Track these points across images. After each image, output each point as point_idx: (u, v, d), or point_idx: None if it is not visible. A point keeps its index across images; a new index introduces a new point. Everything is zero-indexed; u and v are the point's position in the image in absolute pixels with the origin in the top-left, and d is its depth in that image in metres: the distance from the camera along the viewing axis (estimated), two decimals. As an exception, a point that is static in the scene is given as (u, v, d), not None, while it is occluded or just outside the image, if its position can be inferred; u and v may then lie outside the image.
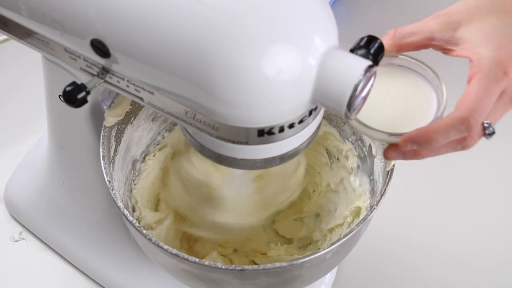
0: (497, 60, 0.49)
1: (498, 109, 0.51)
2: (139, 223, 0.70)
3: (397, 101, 0.55)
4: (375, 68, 0.44)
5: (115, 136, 0.64)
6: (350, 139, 0.72)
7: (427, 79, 0.54)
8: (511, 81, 0.50)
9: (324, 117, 0.64)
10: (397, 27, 0.55)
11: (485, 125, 0.50)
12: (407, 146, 0.51)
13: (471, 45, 0.51)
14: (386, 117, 0.54)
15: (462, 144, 0.51)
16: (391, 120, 0.54)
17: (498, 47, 0.50)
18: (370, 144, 0.68)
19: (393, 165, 0.60)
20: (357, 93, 0.43)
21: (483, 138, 0.52)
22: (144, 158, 0.74)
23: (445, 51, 0.53)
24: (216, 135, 0.47)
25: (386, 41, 0.54)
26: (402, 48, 0.54)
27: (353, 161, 0.72)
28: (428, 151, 0.52)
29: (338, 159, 0.75)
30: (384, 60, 0.53)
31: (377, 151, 0.66)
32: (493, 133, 0.51)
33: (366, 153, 0.69)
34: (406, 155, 0.53)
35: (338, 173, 0.75)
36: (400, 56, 0.55)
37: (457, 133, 0.49)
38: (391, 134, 0.52)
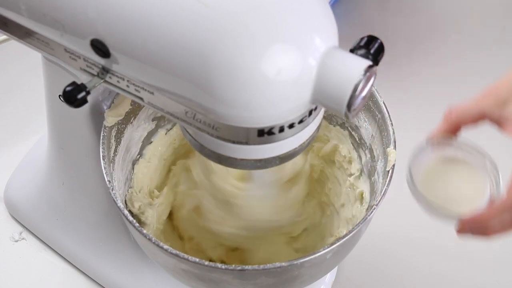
0: None
1: None
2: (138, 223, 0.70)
3: (457, 184, 0.55)
4: (375, 68, 0.44)
5: (115, 136, 0.64)
6: (350, 140, 0.72)
7: (485, 166, 0.54)
8: None
9: (324, 117, 0.64)
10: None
11: None
12: (466, 232, 0.51)
13: None
14: (446, 197, 0.54)
15: None
16: (450, 200, 0.54)
17: None
18: (370, 145, 0.68)
19: (393, 165, 0.60)
20: (357, 93, 0.43)
21: None
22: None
23: (498, 128, 0.52)
24: (216, 135, 0.47)
25: (445, 125, 0.54)
26: (459, 128, 0.54)
27: (353, 162, 0.72)
28: (495, 230, 0.50)
29: (337, 159, 0.75)
30: (447, 146, 0.54)
31: (377, 151, 0.66)
32: None
33: (366, 153, 0.69)
34: (473, 235, 0.52)
35: (339, 174, 0.75)
36: (462, 143, 0.54)
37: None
38: (447, 214, 0.53)
